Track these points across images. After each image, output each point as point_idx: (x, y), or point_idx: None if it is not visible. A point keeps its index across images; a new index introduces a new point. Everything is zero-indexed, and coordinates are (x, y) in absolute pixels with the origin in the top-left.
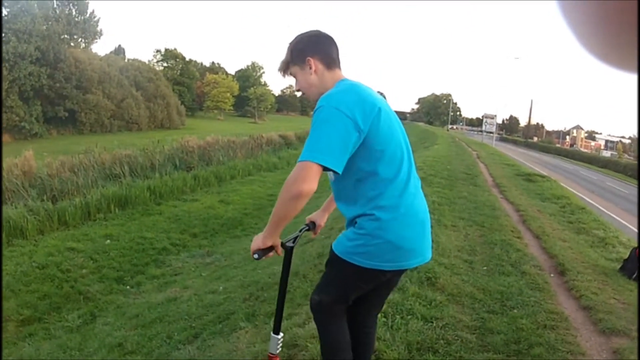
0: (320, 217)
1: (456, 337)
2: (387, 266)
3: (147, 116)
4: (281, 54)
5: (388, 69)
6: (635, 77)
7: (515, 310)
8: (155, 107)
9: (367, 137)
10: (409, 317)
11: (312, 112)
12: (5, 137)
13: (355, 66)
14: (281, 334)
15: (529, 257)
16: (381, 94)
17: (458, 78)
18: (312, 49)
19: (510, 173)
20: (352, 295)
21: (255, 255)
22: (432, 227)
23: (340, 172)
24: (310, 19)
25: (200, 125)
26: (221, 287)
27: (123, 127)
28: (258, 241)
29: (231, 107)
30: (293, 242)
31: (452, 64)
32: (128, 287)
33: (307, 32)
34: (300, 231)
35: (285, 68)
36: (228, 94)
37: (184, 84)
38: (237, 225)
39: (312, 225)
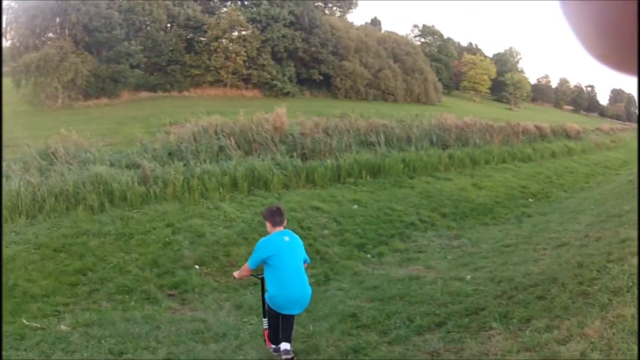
0: None
1: None
2: (281, 311)
3: (403, 89)
4: (540, 41)
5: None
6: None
7: None
8: (412, 80)
9: (268, 258)
10: None
11: (565, 106)
12: (255, 92)
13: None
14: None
15: None
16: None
17: None
18: (268, 217)
19: None
20: (276, 316)
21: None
22: None
23: (255, 269)
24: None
25: (456, 104)
26: (469, 276)
27: (378, 97)
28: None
29: (487, 90)
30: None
31: None
32: (369, 255)
33: (269, 208)
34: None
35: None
36: (485, 76)
37: (441, 61)
38: (488, 213)
39: None
